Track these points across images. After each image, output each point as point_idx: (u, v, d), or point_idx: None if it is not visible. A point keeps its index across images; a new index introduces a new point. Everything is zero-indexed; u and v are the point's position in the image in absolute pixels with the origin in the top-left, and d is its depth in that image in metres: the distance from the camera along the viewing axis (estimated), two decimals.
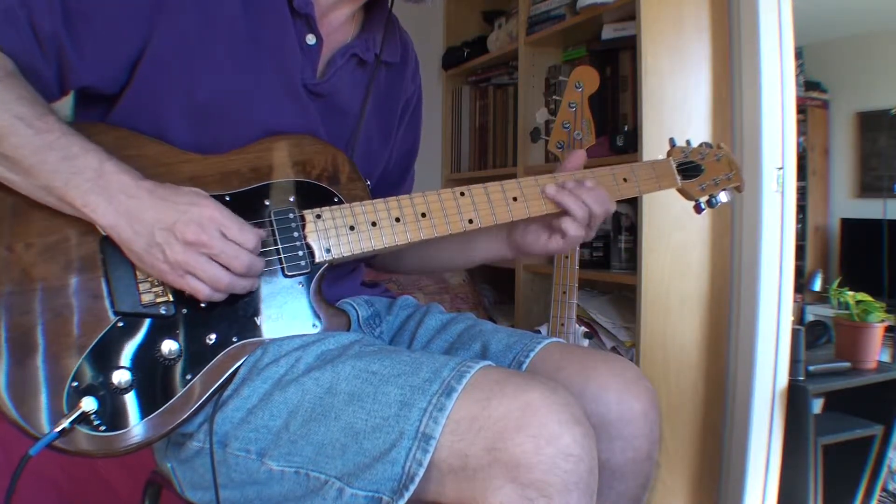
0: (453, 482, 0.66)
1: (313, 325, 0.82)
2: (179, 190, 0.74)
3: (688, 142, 1.06)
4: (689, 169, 1.02)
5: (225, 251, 0.73)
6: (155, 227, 0.71)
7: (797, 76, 3.52)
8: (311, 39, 0.88)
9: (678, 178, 1.01)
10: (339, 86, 0.93)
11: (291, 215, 0.82)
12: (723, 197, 1.04)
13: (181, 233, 0.71)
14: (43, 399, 0.71)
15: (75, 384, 0.72)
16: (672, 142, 1.05)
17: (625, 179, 0.97)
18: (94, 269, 0.75)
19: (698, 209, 1.05)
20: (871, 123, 4.04)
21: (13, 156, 0.70)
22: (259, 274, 0.78)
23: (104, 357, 0.73)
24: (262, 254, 0.80)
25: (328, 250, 0.82)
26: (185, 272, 0.72)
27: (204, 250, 0.72)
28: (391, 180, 1.10)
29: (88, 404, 0.71)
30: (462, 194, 0.88)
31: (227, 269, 0.73)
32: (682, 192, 1.03)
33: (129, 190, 0.71)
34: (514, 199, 0.90)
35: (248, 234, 0.74)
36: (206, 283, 0.73)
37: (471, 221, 0.88)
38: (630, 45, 1.81)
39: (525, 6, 2.18)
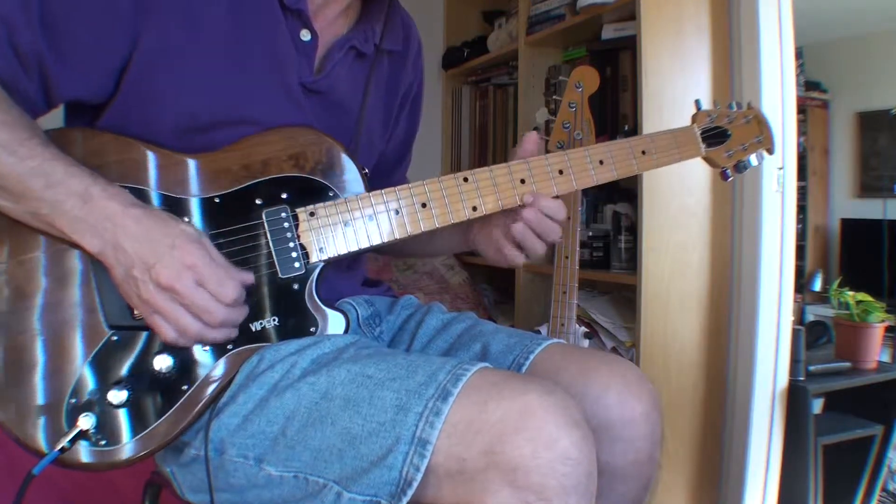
0: (451, 486, 0.65)
1: (310, 329, 0.81)
2: (167, 226, 0.71)
3: (715, 104, 0.99)
4: (716, 135, 0.96)
5: (196, 303, 0.71)
6: (135, 261, 0.70)
7: (797, 76, 3.51)
8: (305, 35, 0.86)
9: (702, 146, 0.95)
10: (338, 81, 0.91)
11: (284, 214, 0.80)
12: (753, 160, 0.98)
13: (156, 275, 0.69)
14: (42, 417, 0.71)
15: (73, 401, 0.71)
16: (698, 104, 0.98)
17: (643, 152, 0.90)
18: (86, 284, 0.74)
19: (724, 176, 0.99)
20: (871, 123, 4.04)
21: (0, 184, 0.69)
22: (237, 325, 0.76)
23: (100, 372, 0.73)
24: (256, 256, 0.78)
25: (322, 249, 0.80)
26: (153, 311, 0.71)
27: (177, 298, 0.71)
28: (389, 163, 1.09)
29: (87, 421, 0.71)
30: (465, 180, 0.84)
31: (199, 319, 0.72)
32: (707, 160, 0.98)
33: (115, 217, 0.70)
34: (522, 181, 0.85)
35: (226, 286, 0.72)
36: (174, 328, 0.72)
37: (475, 209, 0.84)
38: (630, 45, 1.80)
39: (525, 6, 2.18)
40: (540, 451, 0.62)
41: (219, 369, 0.77)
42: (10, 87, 0.74)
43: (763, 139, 0.99)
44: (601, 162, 0.88)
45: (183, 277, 0.70)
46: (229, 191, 0.79)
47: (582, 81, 1.34)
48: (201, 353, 0.76)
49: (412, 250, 1.12)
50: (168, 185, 0.77)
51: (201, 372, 0.76)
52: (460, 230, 0.97)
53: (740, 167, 0.99)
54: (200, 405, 0.75)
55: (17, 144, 0.69)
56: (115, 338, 0.74)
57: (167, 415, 0.74)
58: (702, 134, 0.96)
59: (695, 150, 0.96)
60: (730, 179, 1.00)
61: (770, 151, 1.00)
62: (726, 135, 0.97)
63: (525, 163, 0.86)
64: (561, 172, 0.87)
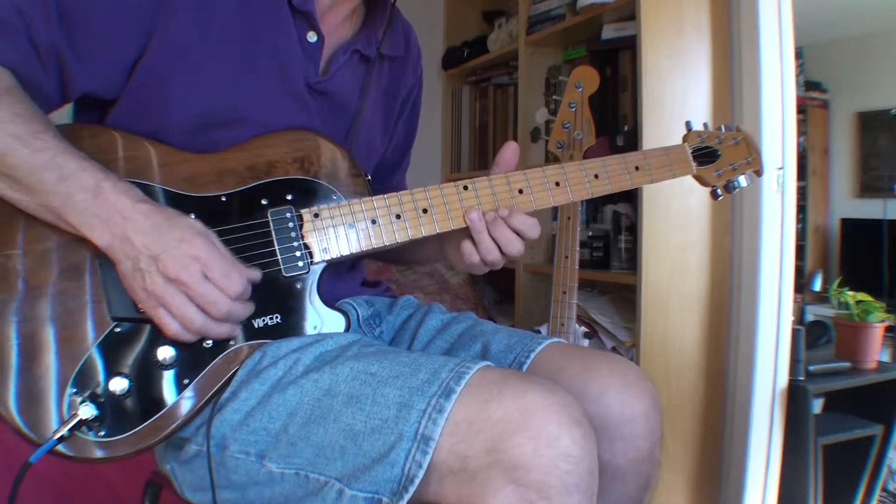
0: (453, 483, 0.66)
1: (313, 327, 0.82)
2: (175, 221, 0.72)
3: (705, 125, 1.02)
4: (706, 154, 0.98)
5: (203, 295, 0.71)
6: (142, 253, 0.70)
7: (797, 76, 3.52)
8: (312, 37, 0.88)
9: (693, 164, 0.97)
10: (342, 83, 0.93)
11: (289, 214, 0.81)
12: (742, 181, 1.00)
13: (163, 266, 0.70)
14: (42, 406, 0.71)
15: (74, 391, 0.72)
16: (689, 125, 1.01)
17: (637, 168, 0.93)
18: (91, 275, 0.74)
19: (714, 195, 1.02)
20: (871, 123, 4.04)
21: (11, 175, 0.70)
22: (241, 321, 0.77)
23: (102, 363, 0.73)
24: (260, 254, 0.79)
25: (326, 250, 0.81)
26: (158, 304, 0.72)
27: (183, 289, 0.71)
28: (388, 167, 1.10)
29: (87, 411, 0.71)
30: (465, 188, 0.86)
31: (204, 311, 0.72)
32: (697, 178, 1.00)
33: (125, 212, 0.71)
34: (520, 191, 0.87)
35: (232, 280, 0.72)
36: (178, 320, 0.72)
37: None
38: (630, 45, 1.81)
39: (525, 6, 2.18)
40: (541, 449, 0.62)
41: (221, 364, 0.77)
42: (25, 81, 0.74)
43: (752, 160, 1.02)
44: (596, 176, 0.91)
45: (190, 268, 0.71)
46: (235, 190, 0.80)
47: (582, 81, 1.34)
48: (204, 348, 0.76)
49: (397, 257, 1.12)
50: (174, 183, 0.78)
51: (203, 366, 0.76)
52: (437, 241, 0.96)
53: (730, 187, 1.01)
54: (202, 399, 0.76)
55: (32, 137, 0.70)
56: (118, 329, 0.74)
57: (168, 408, 0.74)
58: (692, 152, 0.98)
59: (686, 168, 0.98)
60: (720, 199, 1.03)
61: (759, 174, 1.03)
62: (716, 154, 0.99)
63: (523, 174, 0.88)
64: (558, 184, 0.89)
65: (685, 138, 1.00)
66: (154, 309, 0.72)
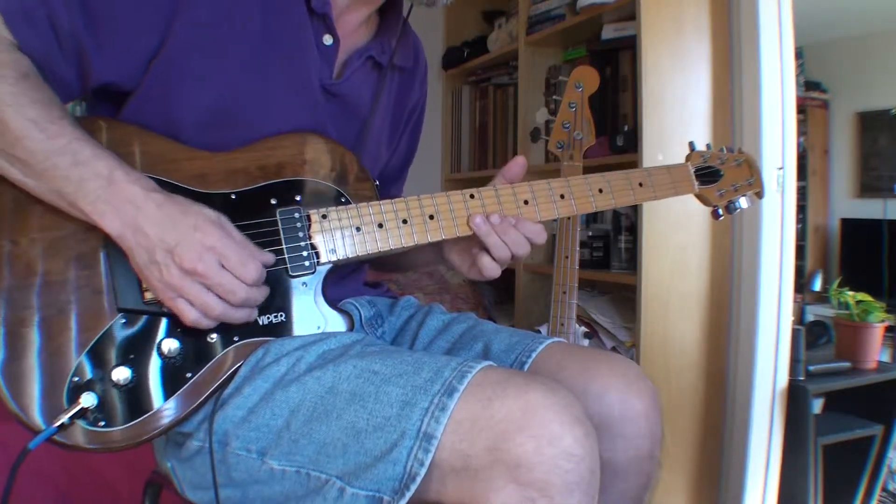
0: (454, 482, 0.66)
1: (316, 326, 0.82)
2: (188, 209, 0.73)
3: (707, 146, 1.04)
4: (708, 174, 1.00)
5: (221, 284, 0.72)
6: (157, 245, 0.71)
7: (797, 76, 3.52)
8: (328, 40, 0.88)
9: (696, 183, 0.99)
10: (355, 87, 0.93)
11: (297, 215, 0.81)
12: (743, 202, 1.02)
13: (179, 258, 0.70)
14: (43, 393, 0.71)
15: (76, 379, 0.72)
16: (692, 146, 1.03)
17: (640, 184, 0.94)
18: (97, 265, 0.75)
19: (716, 215, 1.03)
20: (871, 123, 4.04)
21: (26, 159, 0.70)
22: (258, 304, 0.77)
23: (105, 353, 0.73)
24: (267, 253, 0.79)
25: (333, 251, 0.82)
26: (177, 295, 0.72)
27: (200, 280, 0.72)
28: (388, 178, 1.11)
29: (88, 400, 0.71)
30: (472, 196, 0.86)
31: (222, 299, 0.73)
32: (699, 197, 1.01)
33: (136, 201, 0.71)
34: (525, 202, 0.88)
35: (248, 267, 0.73)
36: (197, 309, 0.73)
37: None
38: (630, 45, 1.81)
39: (525, 6, 2.18)
40: (543, 447, 0.62)
41: (224, 359, 0.77)
42: (44, 69, 0.75)
43: (753, 182, 1.03)
44: (601, 190, 0.92)
45: (206, 258, 0.71)
46: (245, 189, 0.81)
47: (582, 81, 1.34)
48: (207, 342, 0.77)
49: (395, 264, 1.12)
50: (184, 179, 0.79)
51: (206, 361, 0.76)
52: (435, 246, 0.95)
53: (731, 208, 1.02)
54: (203, 394, 0.76)
55: (49, 122, 0.70)
56: (122, 320, 0.74)
57: (169, 400, 0.75)
58: (695, 172, 0.99)
59: (689, 187, 0.99)
60: (721, 218, 1.04)
61: (759, 196, 1.04)
62: (719, 174, 1.01)
63: (528, 185, 0.89)
64: (562, 197, 0.90)
65: (688, 158, 1.01)
66: (173, 300, 0.72)
